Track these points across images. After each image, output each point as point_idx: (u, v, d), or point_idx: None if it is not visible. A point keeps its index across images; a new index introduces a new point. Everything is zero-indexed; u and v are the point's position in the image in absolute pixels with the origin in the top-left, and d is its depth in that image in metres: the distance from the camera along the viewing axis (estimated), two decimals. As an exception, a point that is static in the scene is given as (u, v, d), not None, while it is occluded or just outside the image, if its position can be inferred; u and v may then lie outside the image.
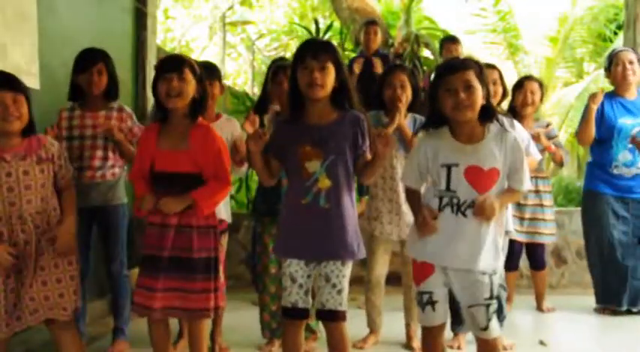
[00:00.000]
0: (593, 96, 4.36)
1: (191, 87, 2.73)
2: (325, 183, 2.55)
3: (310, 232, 2.56)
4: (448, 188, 2.45)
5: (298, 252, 2.61)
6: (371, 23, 6.15)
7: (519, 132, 3.42)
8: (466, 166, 2.43)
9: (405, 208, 3.42)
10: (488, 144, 2.45)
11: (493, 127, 2.48)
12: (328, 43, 2.72)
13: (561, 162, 4.32)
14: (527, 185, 2.53)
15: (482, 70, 2.47)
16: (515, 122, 3.55)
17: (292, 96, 2.63)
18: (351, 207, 2.61)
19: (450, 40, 6.09)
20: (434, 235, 2.46)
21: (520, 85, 4.33)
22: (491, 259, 2.46)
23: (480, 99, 2.41)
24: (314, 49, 2.58)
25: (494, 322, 2.46)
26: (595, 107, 4.31)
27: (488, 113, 2.46)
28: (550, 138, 4.28)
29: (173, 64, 2.74)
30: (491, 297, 2.45)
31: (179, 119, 2.76)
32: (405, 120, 3.51)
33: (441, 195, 2.47)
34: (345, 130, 2.57)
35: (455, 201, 2.44)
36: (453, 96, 2.40)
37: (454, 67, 2.45)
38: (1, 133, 2.60)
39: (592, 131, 4.36)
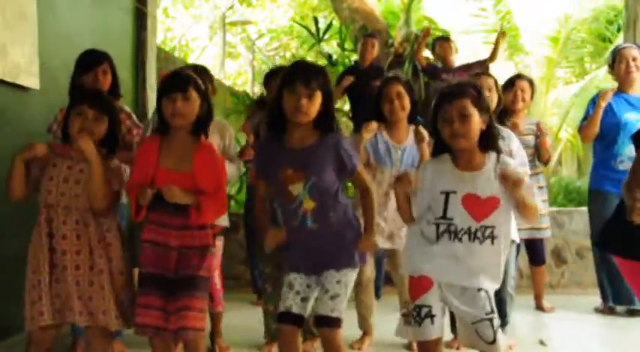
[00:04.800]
0: (603, 94, 4.36)
1: (195, 105, 2.70)
2: (309, 204, 2.55)
3: (305, 250, 2.61)
4: (445, 215, 2.42)
5: (298, 266, 2.64)
6: (369, 36, 6.17)
7: (516, 149, 3.40)
8: (463, 194, 2.40)
9: (393, 215, 3.39)
10: (486, 172, 2.42)
11: (493, 156, 2.45)
12: (320, 68, 2.64)
13: (547, 161, 4.36)
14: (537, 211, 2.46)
15: (480, 95, 2.44)
16: (513, 136, 3.52)
17: (274, 116, 2.59)
18: (341, 221, 2.60)
19: (443, 40, 6.15)
20: (432, 258, 2.43)
21: (511, 83, 4.34)
22: (489, 281, 2.43)
23: (476, 127, 2.39)
24: (304, 75, 2.51)
25: (499, 335, 2.41)
26: (604, 104, 4.32)
27: (488, 140, 2.44)
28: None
29: (178, 83, 2.70)
30: (492, 311, 2.41)
31: (182, 136, 2.73)
32: (409, 135, 3.52)
33: (437, 222, 2.44)
34: (325, 152, 2.54)
35: (452, 228, 2.41)
36: (449, 126, 2.39)
37: (451, 94, 2.43)
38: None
39: (597, 128, 4.37)
